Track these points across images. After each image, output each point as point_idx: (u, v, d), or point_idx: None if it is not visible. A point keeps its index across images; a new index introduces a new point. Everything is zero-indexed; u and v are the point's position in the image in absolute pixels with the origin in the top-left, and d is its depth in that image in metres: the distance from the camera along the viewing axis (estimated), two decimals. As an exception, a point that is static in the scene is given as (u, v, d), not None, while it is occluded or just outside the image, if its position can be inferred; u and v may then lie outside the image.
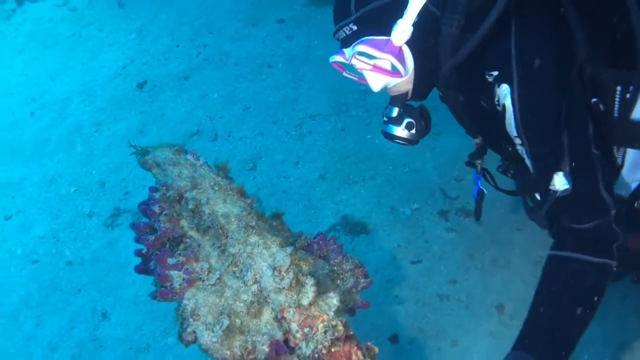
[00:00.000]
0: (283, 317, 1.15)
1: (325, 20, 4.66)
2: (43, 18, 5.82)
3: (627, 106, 1.53)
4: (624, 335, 2.31)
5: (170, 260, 1.27)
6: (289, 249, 1.20)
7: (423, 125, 1.96)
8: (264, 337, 1.18)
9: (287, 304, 1.16)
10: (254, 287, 1.21)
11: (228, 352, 1.17)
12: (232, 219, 1.31)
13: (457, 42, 1.61)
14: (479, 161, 2.09)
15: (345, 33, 1.73)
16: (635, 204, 1.68)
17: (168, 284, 1.25)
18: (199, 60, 4.69)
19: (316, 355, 1.11)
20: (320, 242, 1.41)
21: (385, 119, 1.96)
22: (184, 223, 1.35)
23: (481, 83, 1.62)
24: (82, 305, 3.15)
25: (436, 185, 3.14)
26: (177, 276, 1.26)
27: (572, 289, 1.55)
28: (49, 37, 5.55)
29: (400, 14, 1.57)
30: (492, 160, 2.09)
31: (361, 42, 1.67)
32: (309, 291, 1.16)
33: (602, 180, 1.52)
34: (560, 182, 1.50)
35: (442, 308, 2.58)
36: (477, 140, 2.04)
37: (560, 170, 1.50)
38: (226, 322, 1.18)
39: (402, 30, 1.58)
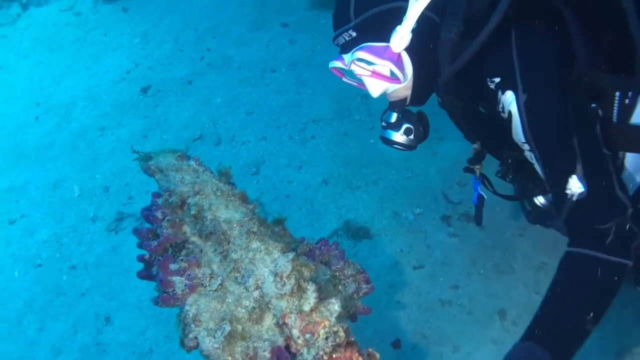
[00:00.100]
0: (284, 323, 1.15)
1: (328, 24, 4.60)
2: (48, 23, 5.85)
3: (626, 111, 1.54)
4: (624, 341, 2.30)
5: (173, 266, 1.28)
6: (291, 255, 1.21)
7: (421, 130, 1.96)
8: (266, 343, 1.18)
9: (288, 310, 1.16)
10: (256, 293, 1.22)
11: (230, 358, 1.17)
12: (234, 225, 1.32)
13: (457, 49, 1.62)
14: (477, 166, 2.09)
15: (345, 39, 1.74)
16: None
17: (170, 290, 1.26)
18: (202, 64, 4.70)
19: (317, 362, 1.11)
20: (322, 247, 1.42)
21: (383, 124, 1.96)
22: (186, 229, 1.36)
23: (482, 89, 1.62)
24: (85, 309, 3.16)
25: (439, 190, 3.14)
26: (179, 282, 1.27)
27: (587, 286, 1.55)
28: (53, 42, 5.58)
29: (399, 21, 1.58)
30: (490, 166, 2.09)
31: (360, 49, 1.67)
32: (311, 297, 1.16)
33: (617, 179, 1.52)
34: (575, 185, 1.48)
35: (444, 314, 2.57)
36: (476, 146, 2.04)
37: (574, 173, 1.49)
38: (228, 327, 1.19)
39: (401, 36, 1.58)
